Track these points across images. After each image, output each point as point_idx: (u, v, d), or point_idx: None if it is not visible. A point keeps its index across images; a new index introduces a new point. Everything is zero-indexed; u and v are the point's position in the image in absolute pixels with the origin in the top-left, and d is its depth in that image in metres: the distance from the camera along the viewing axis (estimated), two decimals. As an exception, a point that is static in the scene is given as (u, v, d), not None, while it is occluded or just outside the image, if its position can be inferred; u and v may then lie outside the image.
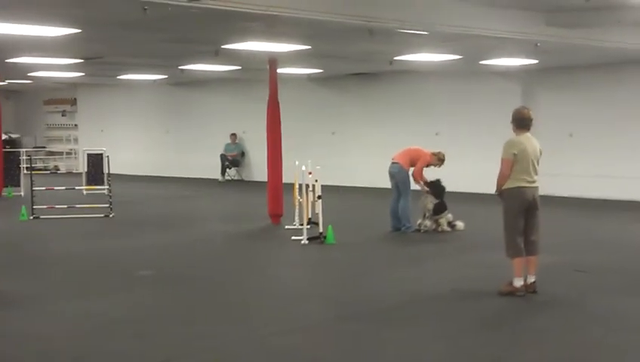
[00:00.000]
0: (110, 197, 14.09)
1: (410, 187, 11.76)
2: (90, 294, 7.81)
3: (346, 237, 10.98)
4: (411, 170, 11.79)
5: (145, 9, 8.14)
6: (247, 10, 8.23)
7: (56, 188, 15.06)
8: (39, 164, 24.58)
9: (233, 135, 22.32)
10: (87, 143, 22.71)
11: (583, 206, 15.26)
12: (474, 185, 16.19)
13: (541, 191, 7.69)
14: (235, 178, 22.27)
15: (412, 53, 13.56)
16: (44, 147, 27.60)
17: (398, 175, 11.75)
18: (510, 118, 7.71)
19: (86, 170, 17.77)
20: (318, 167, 11.13)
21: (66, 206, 13.95)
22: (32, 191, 13.89)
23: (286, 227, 12.07)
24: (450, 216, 11.85)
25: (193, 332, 6.35)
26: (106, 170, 16.09)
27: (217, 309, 7.24)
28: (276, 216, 12.82)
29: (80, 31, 10.32)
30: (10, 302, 7.46)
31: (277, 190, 12.87)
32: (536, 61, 14.71)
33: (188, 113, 23.44)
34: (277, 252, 10.66)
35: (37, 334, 6.38)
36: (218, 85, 21.79)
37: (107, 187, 14.63)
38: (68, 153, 26.84)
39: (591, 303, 7.33)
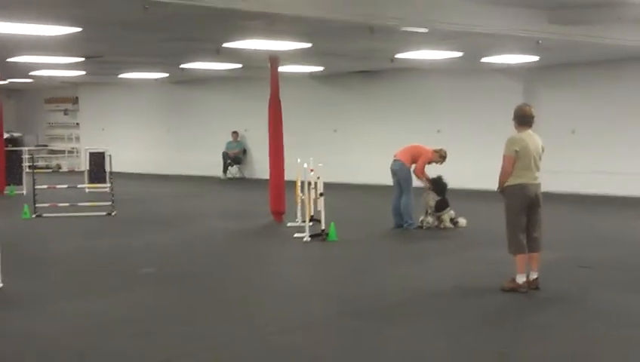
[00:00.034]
0: (112, 195, 14.10)
1: (412, 184, 11.77)
2: (92, 293, 7.81)
3: (348, 235, 10.99)
4: (413, 167, 11.80)
5: (146, 8, 8.14)
6: (248, 9, 8.24)
7: (58, 186, 15.08)
8: (41, 163, 24.58)
9: (235, 133, 22.33)
10: (89, 142, 22.74)
11: (586, 202, 15.26)
12: (476, 182, 16.19)
13: (543, 188, 7.69)
14: (237, 176, 22.28)
15: (413, 50, 13.56)
16: (46, 145, 27.62)
17: (400, 172, 11.76)
18: (512, 116, 7.71)
19: (88, 168, 17.78)
20: (320, 165, 11.14)
21: (68, 204, 13.97)
22: (35, 189, 13.91)
23: (288, 224, 12.07)
24: (452, 213, 11.86)
25: (194, 331, 6.35)
26: (108, 169, 16.12)
27: (219, 307, 7.24)
28: (278, 213, 12.83)
29: (81, 30, 10.33)
30: (12, 301, 7.46)
31: (279, 187, 12.88)
32: (537, 58, 14.70)
33: (189, 111, 23.45)
34: (279, 249, 10.67)
35: (38, 333, 6.38)
36: (219, 83, 21.80)
37: (109, 185, 14.63)
38: (70, 151, 26.86)
39: (593, 299, 7.33)
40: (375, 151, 18.10)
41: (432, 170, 11.98)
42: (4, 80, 21.03)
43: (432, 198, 11.77)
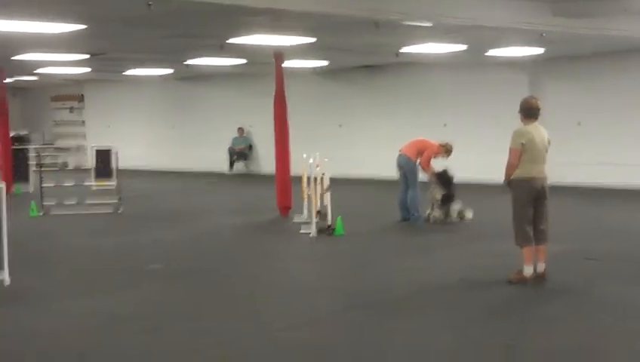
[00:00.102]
0: (119, 192, 14.13)
1: (418, 178, 11.77)
2: (98, 290, 7.83)
3: (355, 229, 11.01)
4: (419, 161, 11.79)
5: (149, 4, 8.15)
6: (254, 5, 8.25)
7: (64, 184, 15.13)
8: (48, 161, 24.64)
9: (240, 128, 22.35)
10: (95, 139, 22.79)
11: (592, 194, 15.23)
12: (481, 175, 16.16)
13: (549, 180, 7.69)
14: (243, 171, 22.31)
15: (418, 44, 13.54)
16: (52, 143, 27.68)
17: (405, 166, 11.76)
18: (518, 108, 7.71)
19: (94, 165, 17.81)
20: (326, 160, 11.16)
21: (75, 201, 14.02)
22: (42, 187, 13.95)
23: (295, 219, 12.10)
24: (459, 206, 11.86)
25: (201, 327, 6.36)
26: (114, 166, 16.15)
27: (225, 303, 7.26)
28: (285, 208, 12.85)
29: (85, 27, 10.34)
30: (19, 298, 7.48)
31: (285, 183, 12.91)
32: (542, 51, 14.66)
33: (194, 107, 23.48)
34: (286, 245, 10.69)
35: (44, 331, 6.40)
36: (224, 79, 21.81)
37: (116, 182, 14.68)
38: (76, 149, 26.91)
39: (600, 291, 7.33)
40: (381, 145, 18.09)
41: (438, 164, 11.98)
42: (11, 78, 21.08)
43: (439, 192, 11.77)
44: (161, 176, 22.24)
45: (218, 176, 21.46)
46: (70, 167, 23.84)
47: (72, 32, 10.55)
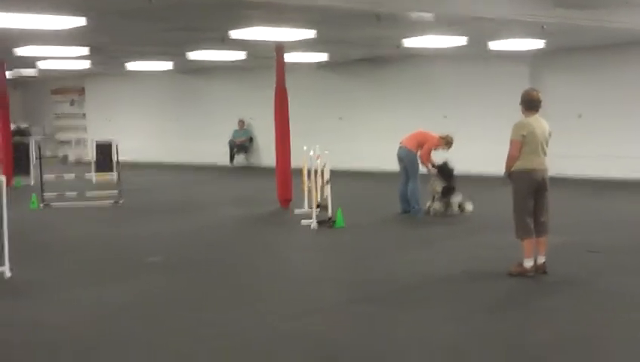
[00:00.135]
0: (119, 184, 14.13)
1: (418, 170, 11.77)
2: (100, 282, 7.84)
3: (356, 221, 11.01)
4: (420, 152, 11.79)
5: (150, -1, 8.15)
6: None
7: (65, 176, 15.14)
8: (48, 153, 24.66)
9: (241, 121, 22.34)
10: (96, 132, 22.80)
11: (593, 186, 15.23)
12: (482, 167, 16.17)
13: (550, 172, 7.69)
14: (244, 164, 22.31)
15: (419, 37, 13.51)
16: (53, 136, 27.67)
17: (406, 158, 11.76)
18: (519, 100, 7.70)
19: (95, 158, 17.83)
20: (326, 152, 11.15)
21: (75, 194, 14.03)
22: (42, 179, 13.96)
23: (295, 211, 12.10)
24: (459, 198, 11.85)
25: (204, 318, 6.39)
26: (115, 158, 16.16)
27: (228, 294, 7.27)
28: (285, 200, 12.86)
29: (85, 20, 10.32)
30: (20, 290, 7.50)
31: (286, 175, 12.91)
32: (543, 43, 14.63)
33: (195, 101, 23.46)
34: (287, 236, 10.70)
35: (46, 322, 6.41)
36: (225, 73, 21.78)
37: (116, 174, 14.68)
38: (77, 142, 26.91)
39: (601, 283, 7.33)
40: (381, 137, 18.08)
41: (439, 156, 11.97)
42: (11, 71, 21.05)
43: (439, 184, 11.77)
44: (162, 168, 22.24)
45: (219, 169, 21.46)
46: (71, 159, 23.87)
47: (72, 25, 10.53)
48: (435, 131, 12.13)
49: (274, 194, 13.08)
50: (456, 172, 11.95)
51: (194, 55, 16.47)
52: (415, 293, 7.15)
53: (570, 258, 8.35)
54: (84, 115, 27.17)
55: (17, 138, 19.68)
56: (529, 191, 7.51)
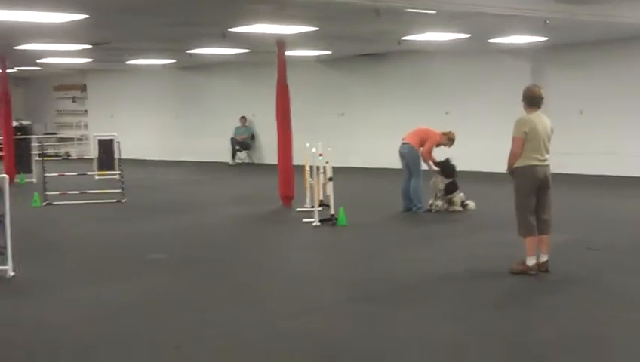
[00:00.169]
0: (122, 182, 14.13)
1: (420, 167, 11.74)
2: (102, 281, 7.84)
3: (358, 219, 10.99)
4: (422, 150, 11.76)
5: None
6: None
7: (67, 174, 15.14)
8: (50, 151, 24.67)
9: (243, 118, 22.31)
10: (97, 129, 22.78)
11: (595, 183, 15.19)
12: (484, 164, 16.14)
13: (552, 169, 7.65)
14: (246, 161, 22.28)
15: (420, 32, 13.48)
16: (55, 133, 27.68)
17: (408, 155, 11.72)
18: (520, 97, 7.67)
19: (97, 155, 17.83)
20: (329, 149, 11.13)
21: (78, 192, 14.02)
22: (44, 177, 13.96)
23: (297, 209, 12.08)
24: (462, 196, 11.83)
25: (205, 317, 6.38)
26: (117, 156, 16.15)
27: (229, 292, 7.27)
28: (287, 198, 12.84)
29: (87, 16, 10.31)
30: (23, 288, 7.50)
31: (288, 172, 12.88)
32: (545, 38, 14.59)
33: (197, 97, 23.44)
34: (289, 234, 10.68)
35: (48, 321, 6.41)
36: (227, 69, 21.76)
37: (119, 172, 14.67)
38: (79, 139, 26.93)
39: (603, 281, 7.31)
40: (383, 134, 18.07)
41: (441, 153, 11.94)
42: (12, 68, 21.07)
43: (442, 181, 11.74)
44: (164, 166, 22.24)
45: (221, 166, 21.45)
46: (73, 157, 23.88)
47: (73, 21, 10.53)
48: (437, 127, 12.10)
49: (276, 191, 13.06)
50: (457, 169, 11.92)
51: (196, 51, 16.46)
52: (415, 292, 7.14)
53: (571, 256, 8.33)
54: (85, 111, 27.18)
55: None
56: (531, 188, 7.48)
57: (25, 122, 25.17)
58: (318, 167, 11.25)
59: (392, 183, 12.78)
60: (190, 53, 17.15)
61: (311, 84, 19.91)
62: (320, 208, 10.91)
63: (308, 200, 11.95)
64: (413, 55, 18.02)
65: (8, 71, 18.82)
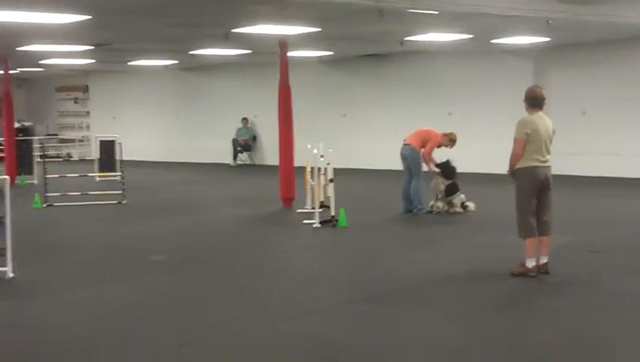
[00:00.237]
0: (123, 183, 14.13)
1: (421, 168, 11.72)
2: (102, 282, 7.83)
3: (358, 220, 10.97)
4: (423, 151, 11.75)
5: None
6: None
7: (69, 175, 15.14)
8: (52, 152, 24.70)
9: (245, 119, 22.32)
10: (99, 130, 22.80)
11: (596, 184, 15.16)
12: (486, 165, 16.12)
13: (554, 171, 7.63)
14: (247, 162, 22.28)
15: (423, 33, 13.47)
16: (57, 134, 27.71)
17: (409, 157, 11.70)
18: (523, 97, 7.65)
19: (98, 156, 17.84)
20: (330, 150, 11.11)
21: (79, 193, 14.02)
22: (45, 178, 13.96)
23: (298, 210, 12.07)
24: (462, 197, 11.81)
25: (206, 317, 6.37)
26: (118, 157, 16.15)
27: (230, 293, 7.26)
28: (288, 199, 12.83)
29: (89, 17, 10.32)
30: (24, 290, 7.49)
31: (289, 174, 12.87)
32: (547, 39, 14.57)
33: (199, 98, 23.45)
34: (289, 235, 10.68)
35: (49, 322, 6.40)
36: (229, 70, 21.77)
37: (120, 174, 14.66)
38: (80, 140, 26.95)
39: (603, 283, 7.29)
40: (385, 135, 18.05)
41: (442, 154, 11.92)
42: (15, 69, 21.10)
43: (442, 183, 11.72)
44: (166, 167, 22.25)
45: (222, 168, 21.45)
46: (74, 158, 23.89)
47: (76, 22, 10.53)
48: (439, 128, 12.08)
49: (277, 192, 13.05)
50: (458, 170, 11.90)
51: (198, 52, 16.46)
52: (415, 293, 7.12)
53: (572, 257, 8.31)
54: (87, 112, 27.20)
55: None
56: (532, 189, 7.47)
57: (27, 123, 25.20)
58: (319, 169, 11.24)
59: (393, 184, 12.76)
60: (192, 54, 17.16)
61: (313, 84, 19.91)
62: (320, 209, 10.90)
63: (309, 201, 11.94)
64: (415, 56, 18.01)
65: (11, 72, 18.84)
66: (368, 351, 5.53)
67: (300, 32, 12.34)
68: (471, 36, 13.85)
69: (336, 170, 11.25)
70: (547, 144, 7.52)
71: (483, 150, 16.50)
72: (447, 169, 11.77)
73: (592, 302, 6.65)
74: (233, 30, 12.21)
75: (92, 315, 6.60)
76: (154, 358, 5.52)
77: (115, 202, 13.79)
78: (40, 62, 18.85)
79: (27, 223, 11.42)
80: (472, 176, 14.55)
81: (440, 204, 11.72)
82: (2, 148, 18.26)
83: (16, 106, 19.49)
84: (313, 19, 11.30)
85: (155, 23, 11.69)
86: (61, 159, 22.81)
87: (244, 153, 22.34)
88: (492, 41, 14.86)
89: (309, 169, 11.76)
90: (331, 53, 17.88)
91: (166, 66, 21.63)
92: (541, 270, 7.45)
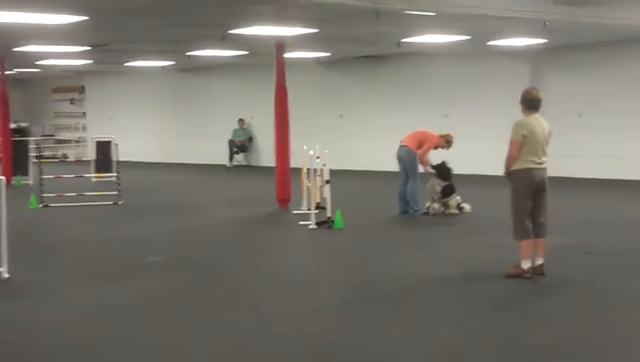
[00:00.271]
0: (119, 184, 14.11)
1: (418, 170, 11.73)
2: (98, 283, 7.82)
3: (354, 221, 10.97)
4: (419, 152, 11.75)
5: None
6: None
7: (64, 176, 15.11)
8: (48, 153, 24.65)
9: (241, 120, 22.31)
10: (96, 131, 22.77)
11: (593, 186, 15.18)
12: (482, 167, 16.13)
13: (550, 173, 7.64)
14: (243, 163, 22.28)
15: (420, 34, 13.48)
16: (53, 135, 27.65)
17: (406, 158, 11.71)
18: (519, 99, 7.66)
19: (95, 157, 17.81)
20: (326, 151, 11.11)
21: (75, 194, 13.99)
22: (41, 179, 13.93)
23: (294, 212, 12.06)
24: (458, 199, 11.82)
25: (201, 318, 6.36)
26: (114, 158, 16.12)
27: (226, 294, 7.25)
28: (284, 200, 12.82)
29: (86, 18, 10.31)
30: (19, 291, 7.48)
31: (285, 175, 12.87)
32: (544, 40, 14.59)
33: (196, 99, 23.44)
34: (285, 237, 10.67)
35: (45, 323, 6.39)
36: (226, 71, 21.76)
37: (116, 175, 14.64)
38: (77, 141, 26.91)
39: (599, 285, 7.29)
40: (381, 136, 18.05)
41: (438, 156, 11.92)
42: (11, 70, 21.06)
43: (439, 184, 11.73)
44: (163, 168, 22.23)
45: (219, 169, 21.43)
46: (70, 159, 23.85)
47: (73, 23, 10.52)
48: (435, 130, 12.08)
49: (273, 194, 13.04)
50: (454, 172, 11.91)
51: (195, 53, 16.45)
52: (411, 294, 7.12)
53: (567, 259, 8.31)
54: (84, 113, 27.15)
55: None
56: (528, 191, 7.47)
57: (23, 124, 25.13)
58: (315, 170, 11.23)
59: (390, 186, 12.77)
60: (189, 55, 17.15)
61: (310, 86, 19.91)
62: (316, 211, 10.89)
63: (305, 202, 11.93)
64: (412, 57, 18.02)
65: (7, 72, 18.80)
66: (364, 352, 5.53)
67: (297, 33, 12.34)
68: (467, 38, 13.86)
69: (332, 172, 11.25)
70: (543, 146, 7.53)
71: (479, 152, 16.51)
72: (443, 170, 11.77)
73: (588, 304, 6.66)
74: (230, 31, 12.21)
75: (88, 316, 6.58)
76: (150, 359, 5.51)
77: (110, 203, 13.76)
78: (36, 62, 18.83)
79: (23, 224, 11.39)
80: (468, 177, 14.56)
81: (436, 206, 11.72)
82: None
83: (13, 107, 19.44)
84: (310, 20, 11.31)
85: (153, 24, 11.68)
86: (57, 160, 22.78)
87: (240, 154, 22.34)
88: (489, 43, 14.87)
89: (304, 170, 11.76)
90: (328, 54, 17.89)
91: (163, 67, 21.61)
92: (536, 271, 7.46)
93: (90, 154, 18.36)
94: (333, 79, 20.27)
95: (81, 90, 27.00)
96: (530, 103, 7.58)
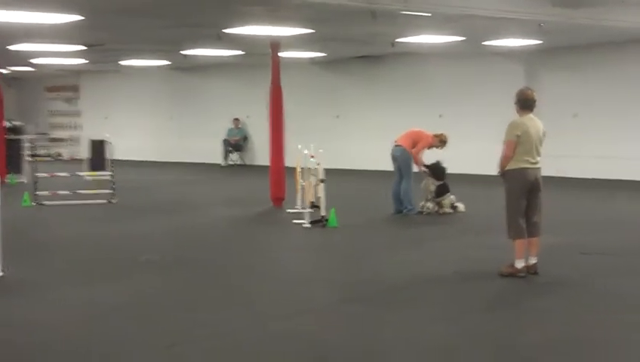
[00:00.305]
0: (113, 183, 14.09)
1: (412, 170, 11.75)
2: (93, 281, 7.81)
3: (349, 220, 10.98)
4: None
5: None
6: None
7: (58, 174, 15.08)
8: (42, 151, 24.57)
9: (236, 120, 22.31)
10: (91, 130, 22.72)
11: (587, 186, 15.22)
12: (476, 166, 16.15)
13: (544, 172, 7.66)
14: (238, 162, 22.27)
15: (415, 34, 13.50)
16: (47, 134, 27.55)
17: (400, 158, 11.73)
18: (514, 99, 7.68)
19: (89, 156, 17.75)
20: (320, 151, 11.12)
21: (68, 192, 13.97)
22: (35, 177, 13.90)
23: (288, 210, 12.06)
24: (452, 198, 11.84)
25: (197, 317, 6.36)
26: (108, 156, 16.08)
27: (221, 293, 7.26)
28: (278, 199, 12.83)
29: (82, 18, 10.29)
30: (13, 289, 7.46)
31: (279, 174, 12.88)
32: (539, 41, 14.62)
33: (191, 98, 23.42)
34: (279, 236, 10.68)
35: (39, 322, 6.38)
36: (221, 70, 21.75)
37: (110, 173, 14.62)
38: (71, 140, 26.82)
39: (594, 284, 7.32)
40: (376, 136, 18.06)
41: (432, 155, 11.94)
42: (5, 68, 21.01)
43: (433, 183, 11.75)
44: (158, 167, 22.20)
45: (213, 168, 21.42)
46: (64, 157, 23.78)
47: (69, 22, 10.50)
48: (430, 130, 12.11)
49: (267, 193, 13.04)
50: (449, 171, 11.93)
51: (190, 52, 16.44)
52: (405, 294, 7.13)
53: (562, 259, 8.33)
54: (79, 112, 27.09)
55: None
56: (522, 191, 7.49)
57: (17, 123, 25.04)
58: (309, 169, 11.24)
59: (384, 185, 12.78)
60: (185, 55, 17.13)
61: (305, 86, 19.91)
62: (311, 210, 10.90)
63: (299, 201, 11.94)
64: (407, 57, 18.04)
65: (1, 71, 18.76)
66: (359, 351, 5.54)
67: (293, 33, 12.35)
68: (463, 38, 13.89)
69: (327, 171, 11.25)
70: (537, 146, 7.56)
71: (473, 151, 16.54)
72: (437, 170, 11.79)
73: (583, 304, 6.68)
74: (225, 30, 12.20)
75: (83, 315, 6.57)
76: (145, 358, 5.50)
77: (104, 201, 13.74)
78: (31, 61, 18.78)
79: (16, 222, 11.35)
80: (463, 177, 14.59)
81: (430, 205, 11.74)
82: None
83: (7, 106, 19.39)
84: (306, 20, 11.31)
85: (149, 24, 11.68)
86: (51, 159, 22.71)
87: (235, 153, 22.34)
88: (484, 43, 14.90)
89: (299, 169, 11.77)
90: (323, 54, 17.89)
91: (159, 67, 21.58)
92: (530, 271, 7.48)
93: (84, 152, 18.29)
94: (329, 79, 20.27)
95: (76, 89, 26.93)
96: (525, 103, 7.60)
